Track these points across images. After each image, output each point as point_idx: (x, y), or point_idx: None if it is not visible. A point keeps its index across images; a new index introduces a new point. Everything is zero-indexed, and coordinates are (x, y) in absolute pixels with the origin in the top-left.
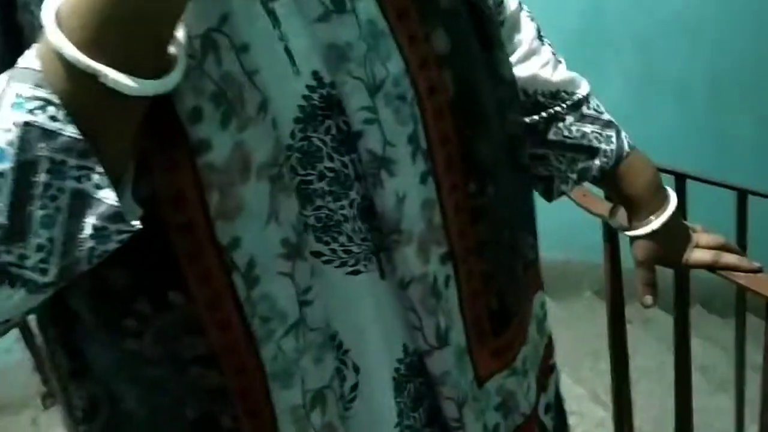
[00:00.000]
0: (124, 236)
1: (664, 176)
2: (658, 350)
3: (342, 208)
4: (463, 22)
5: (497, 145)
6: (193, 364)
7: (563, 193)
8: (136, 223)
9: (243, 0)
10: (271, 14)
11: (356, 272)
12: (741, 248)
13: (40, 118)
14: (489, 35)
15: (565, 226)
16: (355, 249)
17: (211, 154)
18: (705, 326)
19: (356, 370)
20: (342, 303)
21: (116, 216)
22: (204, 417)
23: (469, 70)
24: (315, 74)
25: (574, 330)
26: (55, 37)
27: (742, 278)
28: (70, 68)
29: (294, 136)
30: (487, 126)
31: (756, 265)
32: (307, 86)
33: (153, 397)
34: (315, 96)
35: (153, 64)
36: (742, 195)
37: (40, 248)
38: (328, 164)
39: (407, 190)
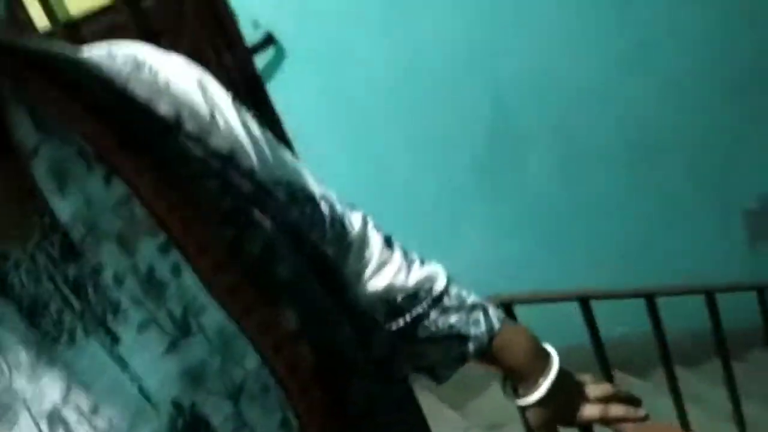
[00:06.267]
0: None
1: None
2: None
3: None
4: (309, 284)
5: (370, 381)
6: None
7: (449, 376)
8: None
9: (89, 357)
10: (118, 359)
11: None
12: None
13: None
14: (336, 281)
15: None
16: None
17: None
18: None
19: None
20: None
21: None
22: None
23: (325, 335)
24: (174, 403)
25: None
26: None
27: (630, 428)
28: None
29: None
30: (356, 372)
31: (641, 413)
32: (169, 417)
33: None
34: (179, 423)
35: None
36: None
37: None
38: None
39: None
